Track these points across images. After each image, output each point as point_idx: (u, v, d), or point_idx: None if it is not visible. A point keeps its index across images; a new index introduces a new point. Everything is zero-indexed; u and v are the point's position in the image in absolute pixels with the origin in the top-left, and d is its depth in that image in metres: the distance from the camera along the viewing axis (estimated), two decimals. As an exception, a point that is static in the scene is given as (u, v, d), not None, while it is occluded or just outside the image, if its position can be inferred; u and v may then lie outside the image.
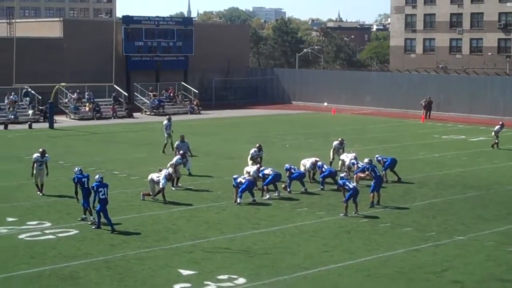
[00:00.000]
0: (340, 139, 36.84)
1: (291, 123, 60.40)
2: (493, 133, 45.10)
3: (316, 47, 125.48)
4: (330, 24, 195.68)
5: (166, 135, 41.39)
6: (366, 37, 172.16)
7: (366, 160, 29.88)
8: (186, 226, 25.29)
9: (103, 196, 24.29)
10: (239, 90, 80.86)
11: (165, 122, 42.55)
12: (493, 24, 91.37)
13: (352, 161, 33.46)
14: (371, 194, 28.31)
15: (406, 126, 58.65)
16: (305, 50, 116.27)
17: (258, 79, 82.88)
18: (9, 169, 35.73)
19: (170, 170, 30.60)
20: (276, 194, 30.04)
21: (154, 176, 28.95)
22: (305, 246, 22.93)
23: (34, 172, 29.92)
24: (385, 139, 49.25)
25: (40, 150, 30.44)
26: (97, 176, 24.92)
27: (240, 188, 28.56)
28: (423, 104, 64.49)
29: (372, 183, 28.83)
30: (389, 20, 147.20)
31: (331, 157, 36.25)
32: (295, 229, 24.97)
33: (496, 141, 44.58)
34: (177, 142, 36.47)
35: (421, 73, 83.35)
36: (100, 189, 24.32)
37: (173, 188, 30.95)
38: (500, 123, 46.00)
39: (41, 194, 29.66)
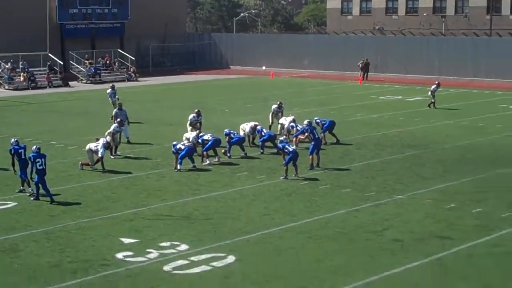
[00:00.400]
0: (278, 103, 36.92)
1: (230, 88, 60.31)
2: (429, 93, 45.67)
3: (253, 11, 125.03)
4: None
5: (112, 103, 40.81)
6: (303, 0, 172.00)
7: (305, 122, 30.00)
8: (126, 194, 25.18)
9: (41, 167, 24.00)
10: (176, 56, 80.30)
11: (109, 90, 42.17)
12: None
13: (291, 124, 33.61)
14: (310, 156, 28.48)
15: (344, 88, 59.03)
16: (242, 14, 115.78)
17: (196, 45, 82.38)
18: None
19: (108, 138, 30.36)
20: (216, 159, 30.04)
21: (91, 145, 28.67)
22: (246, 210, 23.03)
23: None
24: (323, 101, 49.51)
25: None
26: (34, 147, 24.60)
27: (180, 155, 28.48)
28: (360, 65, 64.98)
29: (310, 145, 29.01)
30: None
31: (270, 120, 36.36)
32: (235, 194, 25.05)
33: (433, 100, 45.17)
34: (115, 110, 36.12)
35: (358, 35, 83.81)
36: (37, 160, 24.02)
37: (112, 157, 30.74)
38: (436, 82, 46.59)
39: None
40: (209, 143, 29.97)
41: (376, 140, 34.62)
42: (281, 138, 28.70)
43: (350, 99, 51.07)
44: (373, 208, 23.07)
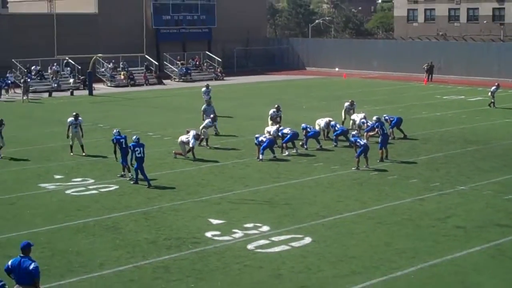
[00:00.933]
0: (350, 101, 36.71)
1: (306, 87, 60.15)
2: (489, 93, 44.78)
3: (327, 18, 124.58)
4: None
5: (205, 101, 40.83)
6: (372, 8, 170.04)
7: (374, 118, 29.71)
8: (214, 180, 25.38)
9: (140, 155, 24.34)
10: (258, 58, 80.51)
11: (203, 89, 42.22)
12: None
13: (362, 120, 33.41)
14: (380, 151, 28.23)
15: (410, 88, 58.29)
16: (317, 21, 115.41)
17: (275, 48, 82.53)
18: (55, 132, 35.89)
19: (203, 130, 30.84)
20: (294, 151, 30.04)
21: (183, 138, 28.98)
22: (322, 197, 22.98)
23: (70, 134, 29.97)
24: (391, 100, 48.99)
25: (74, 113, 30.27)
26: (134, 137, 24.97)
27: (262, 146, 28.58)
28: (425, 68, 64.13)
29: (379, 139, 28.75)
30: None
31: (343, 117, 36.16)
32: (312, 182, 25.02)
33: (493, 100, 44.27)
34: (204, 106, 36.36)
35: (423, 41, 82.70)
36: (136, 149, 24.37)
37: (207, 147, 31.06)
38: (496, 84, 45.69)
39: (72, 154, 29.73)
40: (288, 136, 30.00)
41: (440, 136, 34.10)
42: (353, 133, 28.54)
43: (416, 98, 50.39)
44: (437, 197, 22.76)
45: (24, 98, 51.27)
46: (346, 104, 36.57)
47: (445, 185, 24.26)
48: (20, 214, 21.30)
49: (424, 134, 34.70)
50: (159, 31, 72.06)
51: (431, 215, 20.68)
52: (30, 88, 53.92)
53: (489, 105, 44.31)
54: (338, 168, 27.17)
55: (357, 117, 34.24)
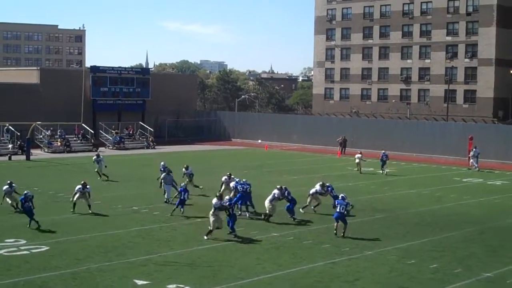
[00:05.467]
0: (228, 173, 35.15)
1: (231, 156, 60.31)
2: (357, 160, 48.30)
3: (252, 94, 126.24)
4: (264, 75, 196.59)
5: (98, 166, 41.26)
6: (293, 86, 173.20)
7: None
8: (141, 243, 24.92)
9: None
10: (188, 129, 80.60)
11: (94, 157, 42.86)
12: (396, 77, 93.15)
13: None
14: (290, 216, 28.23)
15: (325, 160, 58.99)
16: (243, 96, 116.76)
17: (204, 120, 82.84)
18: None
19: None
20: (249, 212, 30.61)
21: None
22: (241, 259, 22.79)
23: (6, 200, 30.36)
24: (308, 170, 49.40)
25: (8, 181, 30.88)
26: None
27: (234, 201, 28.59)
28: (339, 141, 65.12)
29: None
30: (312, 72, 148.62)
31: (221, 188, 33.90)
32: (233, 246, 24.80)
33: (360, 166, 48.03)
34: (163, 174, 34.75)
35: (338, 117, 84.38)
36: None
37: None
38: (359, 152, 49.99)
39: None
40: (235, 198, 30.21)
41: (351, 205, 34.31)
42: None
43: (330, 169, 50.99)
44: (347, 261, 22.84)
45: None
46: (224, 177, 34.71)
47: (354, 250, 24.40)
48: (-49, 273, 20.42)
49: (337, 202, 34.88)
50: (96, 102, 71.52)
51: (341, 278, 20.71)
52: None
53: (358, 170, 47.66)
54: (257, 233, 27.05)
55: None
